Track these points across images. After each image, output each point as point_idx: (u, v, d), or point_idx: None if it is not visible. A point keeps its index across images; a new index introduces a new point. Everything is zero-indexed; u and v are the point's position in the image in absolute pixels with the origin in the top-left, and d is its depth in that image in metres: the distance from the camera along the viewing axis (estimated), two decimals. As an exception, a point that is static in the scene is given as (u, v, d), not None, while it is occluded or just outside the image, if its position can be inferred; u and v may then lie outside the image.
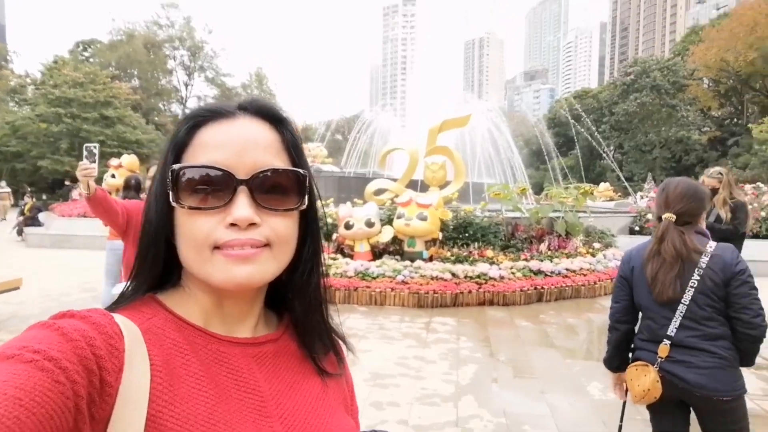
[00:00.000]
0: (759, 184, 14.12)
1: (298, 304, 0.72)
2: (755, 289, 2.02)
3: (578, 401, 3.88)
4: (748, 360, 2.07)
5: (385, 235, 8.07)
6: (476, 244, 8.24)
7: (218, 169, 0.60)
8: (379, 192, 9.60)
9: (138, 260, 0.67)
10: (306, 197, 0.66)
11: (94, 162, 3.11)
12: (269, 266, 0.62)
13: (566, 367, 4.67)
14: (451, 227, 8.35)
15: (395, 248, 8.23)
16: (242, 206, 0.60)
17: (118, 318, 0.57)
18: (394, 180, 9.73)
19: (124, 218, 3.37)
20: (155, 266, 0.66)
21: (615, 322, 2.28)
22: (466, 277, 7.37)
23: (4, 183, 24.53)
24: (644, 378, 2.10)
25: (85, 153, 3.16)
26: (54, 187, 30.89)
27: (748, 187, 13.37)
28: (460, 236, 8.33)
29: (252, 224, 0.60)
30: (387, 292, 7.10)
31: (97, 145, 3.27)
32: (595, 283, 7.86)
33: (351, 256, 8.03)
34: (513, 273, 7.57)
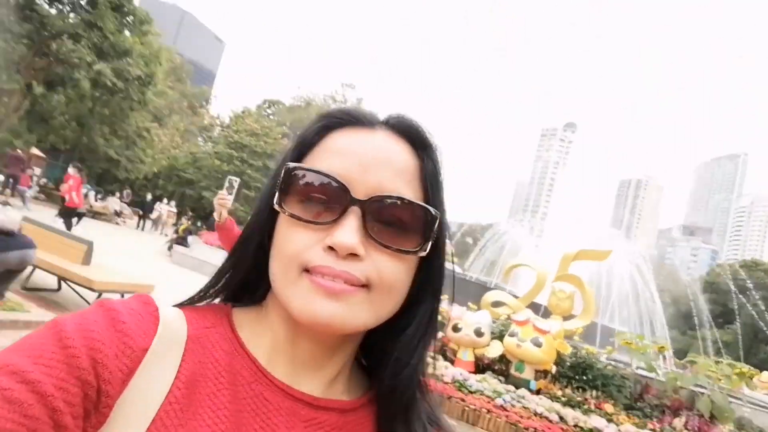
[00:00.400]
0: None
1: (390, 373, 0.57)
2: None
3: None
4: None
5: (493, 350, 7.39)
6: (594, 392, 7.14)
7: (334, 180, 0.52)
8: (496, 304, 9.09)
9: (226, 259, 0.60)
10: (430, 243, 0.54)
11: (232, 195, 3.26)
12: (361, 312, 0.51)
13: None
14: (568, 364, 7.38)
15: (501, 368, 7.50)
16: (348, 230, 0.50)
17: (169, 314, 0.52)
18: (515, 297, 9.13)
19: None
20: (238, 270, 0.59)
21: None
22: (576, 426, 6.33)
23: (173, 203, 28.07)
24: None
25: (226, 184, 3.32)
26: (209, 217, 34.86)
27: None
28: (576, 377, 7.30)
29: (354, 255, 0.50)
30: (482, 413, 6.32)
31: (238, 180, 3.42)
32: (741, 492, 6.17)
33: (452, 362, 7.45)
34: (634, 441, 6.28)
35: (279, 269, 0.53)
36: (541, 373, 7.22)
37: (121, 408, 0.45)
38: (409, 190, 0.54)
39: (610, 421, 6.57)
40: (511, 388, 6.88)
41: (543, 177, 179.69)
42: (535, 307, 8.78)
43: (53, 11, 19.73)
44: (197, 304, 0.60)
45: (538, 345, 6.96)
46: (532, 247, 19.68)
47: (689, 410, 7.32)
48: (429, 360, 0.61)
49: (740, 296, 31.93)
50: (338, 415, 0.56)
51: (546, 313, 8.48)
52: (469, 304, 9.09)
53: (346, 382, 0.59)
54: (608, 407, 6.85)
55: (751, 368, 10.38)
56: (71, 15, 19.85)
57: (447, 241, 0.59)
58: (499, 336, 7.58)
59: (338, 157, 0.53)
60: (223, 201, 3.18)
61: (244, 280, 0.60)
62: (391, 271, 0.52)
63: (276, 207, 0.53)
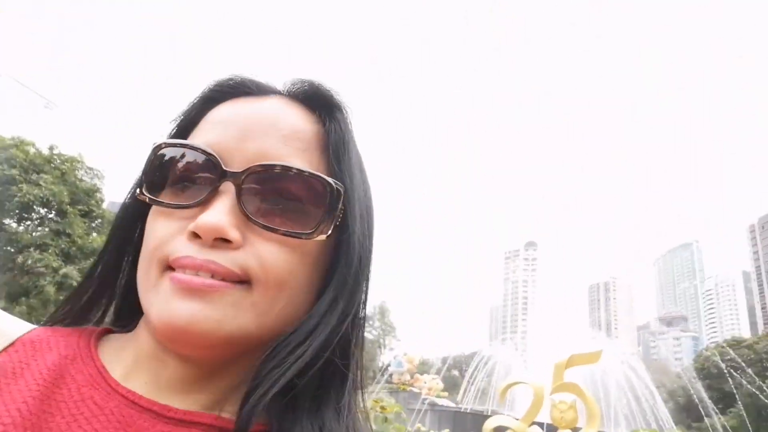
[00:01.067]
0: None
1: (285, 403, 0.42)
2: None
3: None
4: None
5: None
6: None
7: (201, 152, 0.42)
8: (499, 430, 8.84)
9: (87, 274, 0.50)
10: (332, 223, 0.44)
11: None
12: (236, 315, 0.40)
13: None
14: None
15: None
16: (215, 209, 0.40)
17: None
18: (516, 419, 8.99)
19: None
20: (102, 285, 0.50)
21: None
22: None
23: None
24: None
25: None
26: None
27: None
28: (600, 490, 7.02)
29: (224, 241, 0.40)
30: None
31: None
32: None
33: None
34: None
35: (142, 271, 0.43)
36: (563, 493, 6.93)
37: None
38: (302, 160, 0.44)
39: None
40: None
41: (515, 297, 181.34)
42: (538, 427, 8.60)
43: (21, 228, 20.44)
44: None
45: (553, 461, 6.81)
46: (521, 365, 19.52)
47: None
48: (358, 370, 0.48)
49: (736, 376, 31.59)
50: (203, 431, 0.41)
51: (550, 429, 8.30)
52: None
53: (235, 407, 0.41)
54: None
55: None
56: (39, 228, 20.57)
57: (365, 224, 0.47)
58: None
59: (216, 127, 0.44)
60: None
61: (117, 301, 0.50)
62: (279, 260, 0.41)
63: (138, 195, 0.43)
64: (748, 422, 34.06)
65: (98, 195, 21.99)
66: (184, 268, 0.40)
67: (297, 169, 0.42)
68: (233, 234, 0.40)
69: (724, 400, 41.47)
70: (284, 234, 0.41)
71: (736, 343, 50.89)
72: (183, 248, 0.40)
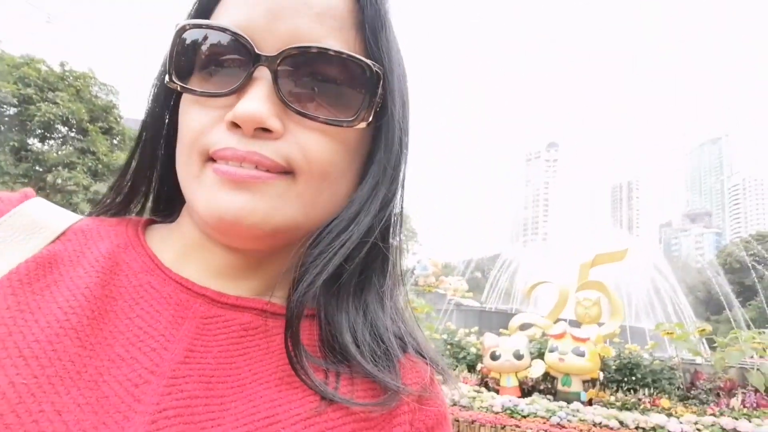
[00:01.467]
0: None
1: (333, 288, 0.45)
2: None
3: None
4: None
5: (536, 369, 7.41)
6: (646, 390, 7.14)
7: (232, 34, 0.39)
8: (524, 327, 9.12)
9: (124, 167, 0.50)
10: (373, 111, 0.42)
11: None
12: (282, 205, 0.40)
13: None
14: (614, 368, 7.41)
15: (546, 386, 7.49)
16: (253, 97, 0.38)
17: (36, 207, 0.45)
18: (542, 317, 9.22)
19: None
20: (140, 178, 0.50)
21: None
22: (637, 428, 6.31)
23: None
24: None
25: None
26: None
27: None
28: (625, 379, 7.31)
29: (265, 131, 0.39)
30: (541, 435, 6.30)
31: None
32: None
33: (497, 391, 7.45)
34: (699, 430, 6.28)
35: (181, 162, 0.43)
36: (589, 383, 7.20)
37: None
38: (338, 41, 0.41)
39: (669, 415, 6.57)
40: (563, 404, 6.82)
41: (536, 199, 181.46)
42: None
43: (45, 147, 20.69)
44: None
45: (581, 354, 7.02)
46: (543, 266, 19.87)
47: (743, 388, 7.32)
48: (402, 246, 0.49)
49: (759, 268, 31.84)
50: (255, 316, 0.44)
51: (574, 325, 8.52)
52: (501, 330, 9.18)
53: (286, 292, 0.44)
54: (664, 402, 6.83)
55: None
56: (63, 147, 20.81)
57: (404, 109, 0.46)
58: (539, 355, 7.59)
59: (242, 6, 0.41)
60: None
61: (153, 192, 0.51)
62: (321, 150, 0.40)
63: (167, 83, 0.42)
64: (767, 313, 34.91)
65: (116, 111, 21.85)
66: (227, 160, 0.39)
67: (335, 51, 0.40)
68: (274, 123, 0.39)
69: (744, 293, 42.21)
70: (325, 122, 0.40)
71: (761, 237, 50.80)
72: (223, 139, 0.39)
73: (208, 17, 0.43)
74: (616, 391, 7.19)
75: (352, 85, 0.41)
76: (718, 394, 7.20)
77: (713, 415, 6.66)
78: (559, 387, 7.21)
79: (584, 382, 7.18)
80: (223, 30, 0.39)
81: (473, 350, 8.22)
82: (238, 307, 0.43)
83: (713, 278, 28.66)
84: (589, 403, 6.99)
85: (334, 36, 0.41)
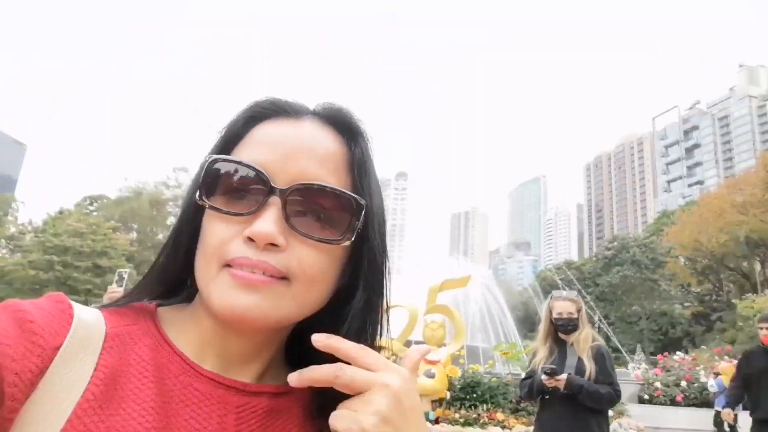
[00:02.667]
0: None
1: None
2: None
3: None
4: None
5: (390, 392, 7.67)
6: (485, 405, 7.85)
7: (253, 170, 0.50)
8: (377, 349, 9.38)
9: (154, 263, 0.58)
10: (355, 232, 0.53)
11: (122, 286, 3.30)
12: (281, 304, 0.50)
13: None
14: (459, 387, 8.03)
15: (399, 407, 7.78)
16: (267, 219, 0.49)
17: (84, 312, 0.50)
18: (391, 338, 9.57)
19: None
20: (164, 272, 0.57)
21: None
22: (478, 441, 6.88)
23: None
24: None
25: (116, 278, 3.34)
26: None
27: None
28: (467, 397, 7.97)
29: (273, 246, 0.49)
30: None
31: (128, 270, 3.44)
32: (615, 454, 7.31)
33: (353, 414, 7.54)
34: (527, 439, 7.08)
35: (202, 264, 0.51)
36: (437, 402, 7.71)
37: (30, 410, 0.43)
38: (334, 178, 0.52)
39: (503, 428, 7.32)
40: (415, 423, 7.26)
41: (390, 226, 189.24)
42: (410, 344, 9.33)
43: None
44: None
45: (432, 376, 7.47)
46: (397, 286, 20.76)
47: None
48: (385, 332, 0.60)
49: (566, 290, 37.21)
50: (270, 398, 0.55)
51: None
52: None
53: (276, 371, 0.57)
54: (499, 415, 7.60)
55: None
56: None
57: (381, 231, 0.57)
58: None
59: (262, 147, 0.52)
60: (114, 294, 3.31)
61: (170, 281, 0.58)
62: (313, 262, 0.50)
63: (198, 201, 0.52)
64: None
65: None
66: (242, 266, 0.48)
67: (331, 188, 0.51)
68: (281, 240, 0.49)
69: (555, 313, 49.01)
70: (318, 240, 0.51)
71: (568, 265, 59.62)
72: (240, 250, 0.49)
73: (228, 152, 0.54)
74: (460, 408, 7.78)
75: (342, 213, 0.52)
76: (541, 406, 8.22)
77: (538, 424, 7.59)
78: (411, 408, 7.56)
79: (433, 402, 7.65)
80: (249, 166, 0.50)
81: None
82: (257, 393, 0.54)
83: (534, 298, 32.67)
84: (436, 421, 7.47)
85: (331, 175, 0.52)
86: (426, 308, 10.11)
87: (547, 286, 49.48)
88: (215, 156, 0.52)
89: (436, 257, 21.59)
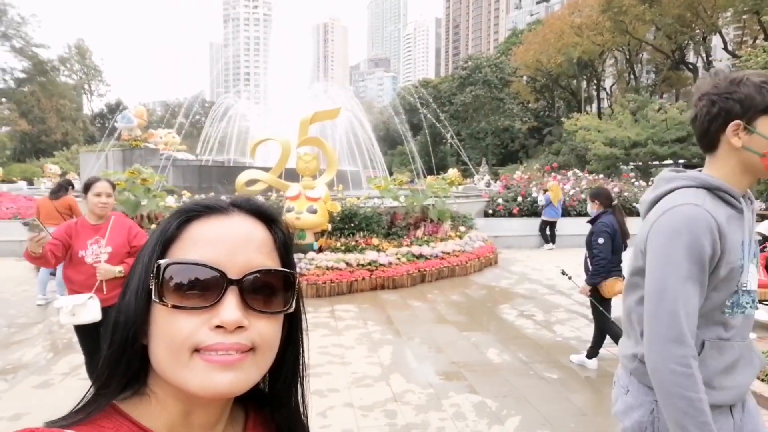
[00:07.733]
0: (576, 171, 16.95)
1: (280, 412, 0.71)
2: None
3: (487, 369, 4.60)
4: None
5: (275, 228, 8.08)
6: (362, 233, 8.73)
7: (209, 268, 0.57)
8: (250, 183, 9.44)
9: (107, 364, 0.60)
10: (294, 300, 0.64)
11: (41, 230, 3.06)
12: (252, 373, 0.58)
13: (464, 339, 5.40)
14: (338, 218, 8.71)
15: (284, 241, 8.31)
16: (231, 308, 0.56)
17: None
18: (265, 169, 9.52)
19: (65, 250, 3.27)
20: (129, 371, 0.60)
21: None
22: (358, 265, 7.83)
23: None
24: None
25: (27, 228, 3.05)
26: None
27: (569, 173, 15.97)
28: (347, 226, 8.74)
29: (240, 327, 0.56)
30: (285, 285, 7.23)
31: (34, 218, 3.13)
32: (466, 262, 8.90)
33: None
34: (399, 258, 8.24)
35: (167, 356, 0.56)
36: (320, 234, 8.37)
37: None
38: (270, 260, 0.62)
39: (379, 251, 8.35)
40: (301, 255, 7.93)
41: (236, 37, 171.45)
42: (285, 174, 9.43)
43: None
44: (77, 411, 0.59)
45: (314, 212, 7.97)
46: (258, 116, 20.02)
47: (424, 221, 9.73)
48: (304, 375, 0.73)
49: (425, 111, 39.19)
50: None
51: (295, 177, 9.24)
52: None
53: (230, 417, 0.67)
54: (374, 241, 8.56)
55: (457, 175, 13.88)
56: None
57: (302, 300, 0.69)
58: (277, 215, 8.31)
59: (206, 245, 0.59)
60: (42, 240, 3.05)
61: (123, 375, 0.61)
62: (269, 332, 0.59)
63: (157, 302, 0.57)
64: (429, 146, 44.17)
65: None
66: (216, 351, 0.55)
67: (274, 270, 0.61)
68: (245, 322, 0.56)
69: (412, 130, 52.01)
70: (272, 314, 0.60)
71: (425, 83, 61.54)
72: (211, 337, 0.55)
73: (164, 253, 0.60)
74: (340, 237, 8.59)
75: (284, 288, 0.62)
76: (408, 229, 9.41)
77: (406, 245, 8.78)
78: (296, 241, 8.15)
79: (316, 233, 8.28)
80: (205, 266, 0.57)
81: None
82: None
83: (396, 119, 33.92)
84: (320, 250, 8.23)
85: (269, 258, 0.62)
86: (298, 141, 10.18)
87: (406, 105, 51.55)
88: (168, 261, 0.58)
89: (300, 80, 20.69)
